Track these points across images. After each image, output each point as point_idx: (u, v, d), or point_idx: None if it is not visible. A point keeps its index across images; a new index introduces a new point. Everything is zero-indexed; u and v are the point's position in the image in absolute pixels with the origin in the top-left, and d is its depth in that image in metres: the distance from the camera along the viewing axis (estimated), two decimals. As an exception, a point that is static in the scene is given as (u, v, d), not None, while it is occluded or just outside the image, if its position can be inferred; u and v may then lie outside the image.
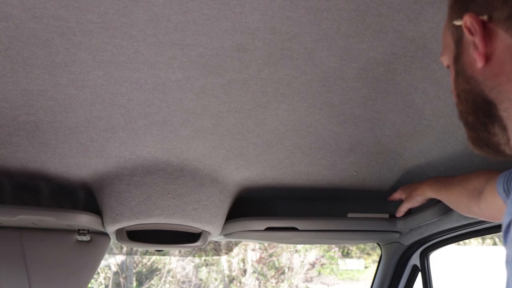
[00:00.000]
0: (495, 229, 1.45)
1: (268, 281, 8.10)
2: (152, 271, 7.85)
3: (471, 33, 0.64)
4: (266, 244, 7.58)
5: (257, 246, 7.85)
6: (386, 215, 1.64)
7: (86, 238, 1.63)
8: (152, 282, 7.68)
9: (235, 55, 0.99)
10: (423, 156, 1.40)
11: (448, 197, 1.28)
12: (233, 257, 8.07)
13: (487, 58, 0.63)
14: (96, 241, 1.66)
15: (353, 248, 8.46)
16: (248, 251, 8.04)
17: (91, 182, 1.49)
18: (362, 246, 7.80)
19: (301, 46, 0.97)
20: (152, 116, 1.19)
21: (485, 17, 0.62)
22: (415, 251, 1.82)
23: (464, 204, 1.21)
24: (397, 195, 1.51)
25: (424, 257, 1.81)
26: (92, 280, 5.61)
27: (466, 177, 1.22)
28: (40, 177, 1.45)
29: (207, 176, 1.48)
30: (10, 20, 0.87)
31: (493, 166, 1.17)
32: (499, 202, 1.02)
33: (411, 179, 1.50)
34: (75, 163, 1.38)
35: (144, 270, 7.87)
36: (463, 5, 0.66)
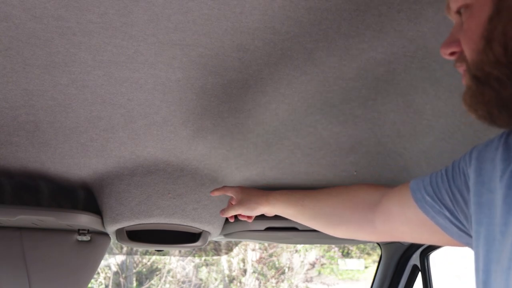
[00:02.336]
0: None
1: (268, 281, 8.09)
2: (152, 271, 7.85)
3: None
4: (266, 244, 7.58)
5: (257, 246, 7.85)
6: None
7: (86, 238, 1.63)
8: (152, 282, 7.68)
9: (235, 55, 0.99)
10: (423, 156, 1.40)
11: (317, 211, 1.04)
12: (233, 257, 8.07)
13: None
14: (96, 241, 1.66)
15: (353, 248, 8.46)
16: (248, 251, 8.04)
17: (91, 182, 1.49)
18: (362, 246, 7.80)
19: (301, 46, 0.97)
20: (152, 116, 1.19)
21: None
22: (415, 251, 1.82)
23: (346, 218, 0.98)
24: (222, 191, 1.24)
25: (424, 257, 1.81)
26: (92, 280, 5.61)
27: (343, 189, 1.03)
28: (40, 177, 1.45)
29: (207, 176, 1.48)
30: (10, 20, 0.87)
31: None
32: (409, 212, 0.84)
33: (411, 179, 1.50)
34: (75, 163, 1.38)
35: (144, 270, 7.87)
36: None
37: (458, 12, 0.67)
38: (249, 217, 1.23)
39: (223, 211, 1.22)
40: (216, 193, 1.25)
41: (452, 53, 0.69)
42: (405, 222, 0.86)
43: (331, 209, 1.02)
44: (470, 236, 0.73)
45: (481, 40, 0.61)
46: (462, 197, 0.74)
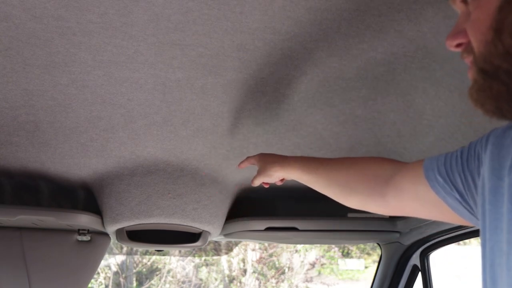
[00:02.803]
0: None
1: (268, 281, 8.09)
2: (152, 271, 7.85)
3: None
4: (266, 244, 7.58)
5: (257, 246, 7.85)
6: (386, 215, 1.64)
7: (86, 238, 1.63)
8: (152, 282, 7.68)
9: (235, 55, 0.99)
10: (423, 156, 1.39)
11: (330, 180, 1.05)
12: (233, 257, 8.07)
13: None
14: (96, 241, 1.66)
15: (353, 248, 8.46)
16: (248, 251, 8.04)
17: (91, 182, 1.49)
18: (362, 246, 7.80)
19: (301, 46, 0.97)
20: (152, 116, 1.19)
21: None
22: (415, 251, 1.82)
23: (359, 190, 0.99)
24: (246, 163, 1.25)
25: (424, 257, 1.81)
26: (92, 280, 5.61)
27: (358, 161, 1.03)
28: (40, 177, 1.45)
29: (207, 176, 1.48)
30: (10, 20, 0.87)
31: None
32: (421, 189, 0.84)
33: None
34: (75, 163, 1.38)
35: (144, 270, 7.87)
36: None
37: (464, 1, 0.64)
38: (266, 183, 1.25)
39: (252, 181, 1.26)
40: (242, 165, 1.26)
41: (458, 45, 0.65)
42: (416, 199, 0.86)
43: (344, 180, 1.02)
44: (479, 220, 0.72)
45: (490, 31, 0.57)
46: (474, 182, 0.73)
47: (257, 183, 1.22)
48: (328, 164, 1.07)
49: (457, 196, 0.76)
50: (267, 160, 1.18)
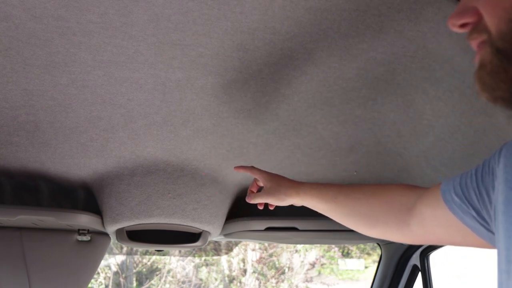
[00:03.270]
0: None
1: (268, 281, 8.09)
2: (152, 271, 7.85)
3: None
4: (266, 244, 7.58)
5: (257, 246, 7.85)
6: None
7: (86, 238, 1.63)
8: (152, 282, 7.68)
9: (235, 55, 0.99)
10: (423, 156, 1.40)
11: (351, 209, 1.00)
12: (233, 257, 8.07)
13: None
14: (96, 241, 1.66)
15: (353, 248, 8.46)
16: (248, 251, 8.04)
17: (91, 182, 1.49)
18: (362, 246, 7.80)
19: (301, 46, 0.97)
20: (152, 116, 1.19)
21: None
22: (415, 251, 1.82)
23: (384, 220, 0.94)
24: (248, 171, 1.18)
25: (424, 257, 1.81)
26: (92, 280, 5.61)
27: (379, 189, 0.98)
28: (40, 177, 1.45)
29: (207, 176, 1.48)
30: (10, 20, 0.87)
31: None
32: (441, 213, 0.81)
33: (411, 179, 1.50)
34: (75, 163, 1.38)
35: (144, 270, 7.87)
36: None
37: None
38: (271, 205, 1.20)
39: (249, 197, 1.17)
40: (241, 170, 1.19)
41: (463, 25, 0.60)
42: (438, 225, 0.84)
43: (367, 210, 0.97)
44: None
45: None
46: (488, 197, 0.72)
47: (257, 201, 1.16)
48: (347, 192, 1.02)
49: (474, 213, 0.75)
50: (280, 183, 1.12)
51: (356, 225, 1.01)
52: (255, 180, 1.23)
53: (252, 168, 1.19)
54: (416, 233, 0.91)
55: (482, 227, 0.75)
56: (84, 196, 1.57)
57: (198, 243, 1.59)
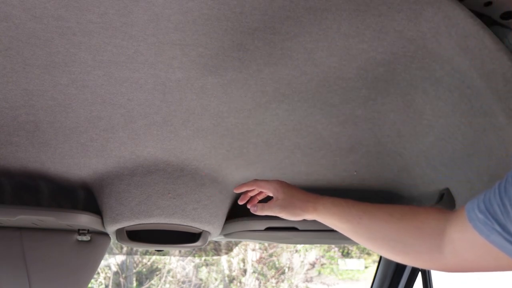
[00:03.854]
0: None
1: (268, 281, 8.09)
2: (152, 271, 7.85)
3: None
4: (266, 244, 7.58)
5: (257, 246, 7.84)
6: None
7: (86, 238, 1.63)
8: (152, 282, 7.68)
9: (235, 55, 0.99)
10: (423, 156, 1.40)
11: (377, 232, 0.91)
12: (233, 257, 8.07)
13: None
14: (96, 241, 1.66)
15: (353, 248, 8.46)
16: (248, 251, 8.04)
17: (91, 182, 1.49)
18: (362, 246, 7.80)
19: (301, 46, 0.97)
20: (152, 116, 1.19)
21: None
22: (415, 251, 1.82)
23: (414, 247, 0.87)
24: (256, 187, 1.07)
25: (424, 257, 1.81)
26: (92, 280, 5.61)
27: (408, 211, 0.91)
28: (40, 177, 1.45)
29: (207, 176, 1.48)
30: (10, 20, 0.87)
31: (492, 166, 1.17)
32: (469, 236, 0.77)
33: (411, 179, 1.50)
34: (75, 163, 1.38)
35: (144, 270, 7.87)
36: None
37: None
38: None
39: (255, 207, 1.04)
40: (244, 189, 1.08)
41: None
42: (468, 249, 0.78)
43: (395, 235, 0.88)
44: None
45: None
46: None
47: (264, 213, 1.03)
48: (373, 212, 0.92)
49: (499, 228, 0.72)
50: (294, 195, 1.01)
51: (383, 251, 0.92)
52: (260, 191, 1.11)
53: (255, 181, 1.07)
54: (450, 261, 0.83)
55: (509, 244, 0.71)
56: (84, 196, 1.57)
57: (198, 243, 1.59)
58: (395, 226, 0.89)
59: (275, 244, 7.13)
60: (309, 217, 1.00)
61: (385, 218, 0.91)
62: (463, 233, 0.78)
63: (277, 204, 1.01)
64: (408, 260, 0.90)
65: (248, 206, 1.05)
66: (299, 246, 7.92)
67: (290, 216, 1.01)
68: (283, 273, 8.22)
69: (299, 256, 8.24)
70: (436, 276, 1.89)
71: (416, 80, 1.08)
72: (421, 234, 0.86)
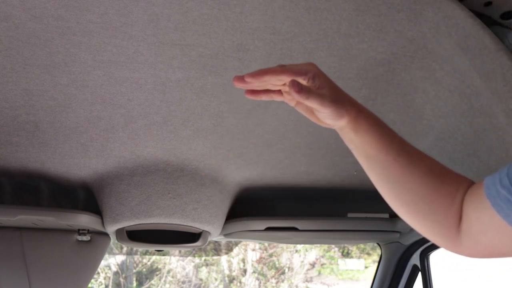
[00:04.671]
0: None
1: (268, 281, 8.09)
2: (152, 271, 7.85)
3: None
4: (266, 244, 7.58)
5: (257, 246, 7.84)
6: (386, 215, 1.64)
7: (86, 238, 1.63)
8: (152, 282, 7.68)
9: (235, 55, 0.99)
10: (423, 156, 1.40)
11: (407, 179, 0.75)
12: (233, 257, 8.07)
13: None
14: (96, 241, 1.66)
15: (353, 248, 8.46)
16: (248, 251, 8.04)
17: (91, 182, 1.49)
18: (362, 246, 7.80)
19: (301, 46, 0.97)
20: (152, 116, 1.19)
21: None
22: (415, 251, 1.82)
23: (433, 211, 0.75)
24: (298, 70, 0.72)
25: (424, 257, 1.81)
26: (92, 280, 5.61)
27: (438, 167, 0.77)
28: (40, 177, 1.45)
29: (207, 176, 1.48)
30: (10, 20, 0.87)
31: (492, 166, 1.17)
32: (487, 218, 0.68)
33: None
34: (75, 163, 1.38)
35: (144, 270, 7.87)
36: None
37: None
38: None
39: (298, 87, 0.68)
40: (267, 76, 0.73)
41: None
42: (485, 231, 0.69)
43: (421, 187, 0.75)
44: None
45: None
46: None
47: (310, 100, 0.71)
48: (410, 152, 0.77)
49: None
50: (339, 89, 0.76)
51: (402, 206, 0.77)
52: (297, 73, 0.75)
53: (282, 67, 0.73)
54: (465, 244, 0.74)
55: None
56: (84, 196, 1.57)
57: (198, 243, 1.59)
58: (425, 177, 0.75)
59: (275, 244, 7.13)
60: (343, 124, 0.76)
61: (418, 162, 0.75)
62: (481, 212, 0.69)
63: (326, 93, 0.73)
64: (423, 227, 0.77)
65: (289, 86, 0.70)
66: (299, 246, 7.92)
67: (334, 114, 0.74)
68: (283, 273, 8.22)
69: (299, 256, 8.24)
70: (436, 276, 1.89)
71: (416, 80, 1.08)
72: (441, 198, 0.75)
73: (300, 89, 0.69)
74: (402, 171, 0.75)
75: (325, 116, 0.75)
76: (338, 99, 0.74)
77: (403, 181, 0.75)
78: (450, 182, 0.76)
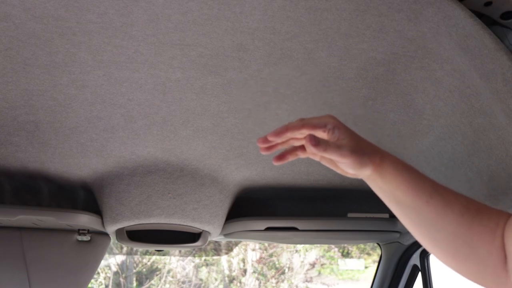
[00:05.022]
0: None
1: (268, 281, 8.09)
2: (152, 271, 7.85)
3: None
4: (266, 244, 7.58)
5: (257, 246, 7.84)
6: (386, 215, 1.64)
7: (86, 238, 1.63)
8: (152, 282, 7.68)
9: (235, 55, 0.99)
10: (423, 156, 1.40)
11: (442, 222, 0.72)
12: (233, 257, 8.07)
13: None
14: (96, 241, 1.66)
15: (353, 248, 8.46)
16: (248, 251, 8.04)
17: (91, 182, 1.49)
18: (362, 246, 7.80)
19: (301, 46, 0.97)
20: (152, 116, 1.19)
21: None
22: (415, 251, 1.82)
23: (476, 251, 0.71)
24: (321, 123, 0.73)
25: (424, 257, 1.81)
26: (92, 280, 5.61)
27: (473, 203, 0.74)
28: (40, 177, 1.45)
29: (207, 176, 1.48)
30: (10, 20, 0.87)
31: (492, 166, 1.17)
32: None
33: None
34: (75, 163, 1.38)
35: (144, 270, 7.87)
36: None
37: None
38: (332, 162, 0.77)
39: (315, 141, 0.69)
40: (287, 133, 0.74)
41: None
42: None
43: (459, 228, 0.71)
44: None
45: None
46: None
47: (328, 152, 0.71)
48: (442, 193, 0.73)
49: None
50: (360, 138, 0.75)
51: (441, 250, 0.74)
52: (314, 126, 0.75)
53: (302, 121, 0.74)
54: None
55: None
56: (84, 196, 1.57)
57: (198, 243, 1.59)
58: (460, 217, 0.71)
59: (275, 244, 7.13)
60: (368, 172, 0.75)
61: (452, 202, 0.72)
62: None
63: (346, 143, 0.72)
64: (467, 269, 0.73)
65: (306, 141, 0.70)
66: (299, 246, 7.92)
67: (356, 164, 0.73)
68: (283, 273, 8.22)
69: (299, 256, 8.24)
70: (436, 276, 1.89)
71: (416, 80, 1.08)
72: (480, 236, 0.71)
73: (316, 142, 0.69)
74: (436, 213, 0.72)
75: (347, 166, 0.74)
76: (359, 148, 0.73)
77: (438, 223, 0.72)
78: (488, 218, 0.72)
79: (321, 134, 0.73)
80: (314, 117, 0.75)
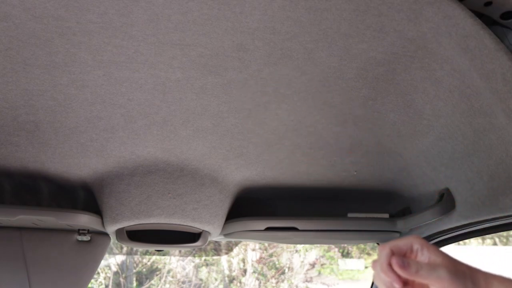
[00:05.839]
0: (495, 229, 1.45)
1: (268, 281, 8.09)
2: (152, 271, 7.85)
3: None
4: (266, 244, 7.58)
5: (257, 246, 7.85)
6: (386, 215, 1.64)
7: (86, 238, 1.63)
8: (152, 282, 7.68)
9: (235, 55, 0.99)
10: (423, 156, 1.40)
11: None
12: (233, 257, 8.07)
13: None
14: (96, 241, 1.66)
15: (353, 248, 8.46)
16: (248, 251, 8.04)
17: (91, 182, 1.49)
18: (362, 246, 7.81)
19: (301, 46, 0.97)
20: (152, 116, 1.19)
21: None
22: (415, 251, 1.82)
23: None
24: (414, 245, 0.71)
25: (424, 257, 1.81)
26: (92, 280, 5.61)
27: None
28: (40, 177, 1.45)
29: (207, 176, 1.48)
30: (10, 20, 0.87)
31: (492, 166, 1.17)
32: None
33: (411, 179, 1.50)
34: (75, 163, 1.38)
35: (144, 270, 7.87)
36: None
37: None
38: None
39: (404, 262, 0.67)
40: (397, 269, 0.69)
41: None
42: None
43: None
44: None
45: None
46: None
47: (423, 276, 0.66)
48: None
49: None
50: (456, 259, 0.70)
51: None
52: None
53: (412, 239, 0.71)
54: None
55: None
56: (84, 196, 1.57)
57: (198, 243, 1.59)
58: None
59: (275, 244, 7.13)
60: None
61: None
62: None
63: (440, 264, 0.67)
64: None
65: (393, 265, 0.68)
66: (299, 246, 7.93)
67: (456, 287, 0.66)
68: (283, 273, 8.23)
69: (299, 256, 8.24)
70: (436, 276, 1.89)
71: (416, 80, 1.08)
72: None
73: (405, 264, 0.64)
74: None
75: None
76: (457, 270, 0.66)
77: None
78: None
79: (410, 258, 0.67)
80: (399, 239, 0.71)
